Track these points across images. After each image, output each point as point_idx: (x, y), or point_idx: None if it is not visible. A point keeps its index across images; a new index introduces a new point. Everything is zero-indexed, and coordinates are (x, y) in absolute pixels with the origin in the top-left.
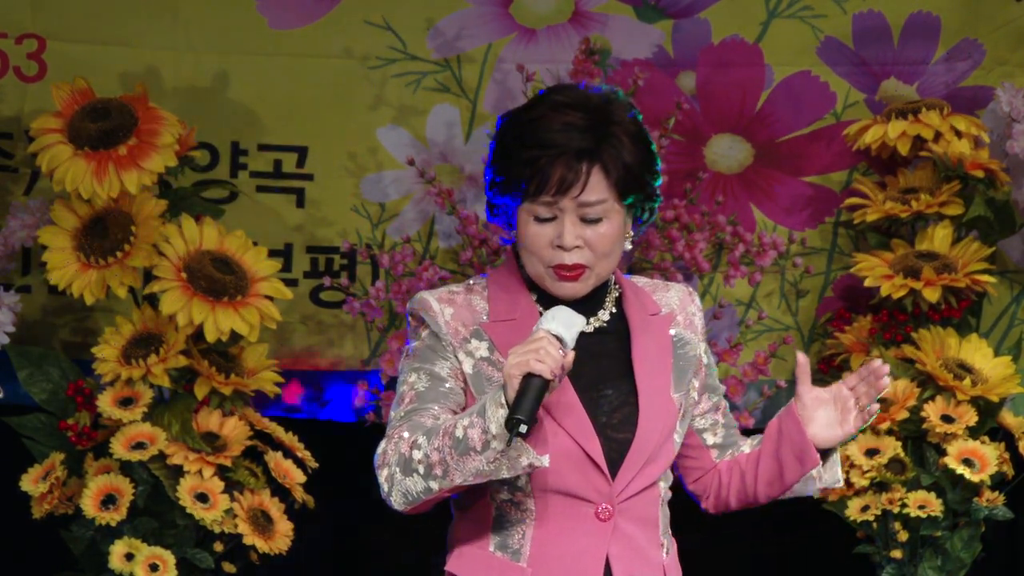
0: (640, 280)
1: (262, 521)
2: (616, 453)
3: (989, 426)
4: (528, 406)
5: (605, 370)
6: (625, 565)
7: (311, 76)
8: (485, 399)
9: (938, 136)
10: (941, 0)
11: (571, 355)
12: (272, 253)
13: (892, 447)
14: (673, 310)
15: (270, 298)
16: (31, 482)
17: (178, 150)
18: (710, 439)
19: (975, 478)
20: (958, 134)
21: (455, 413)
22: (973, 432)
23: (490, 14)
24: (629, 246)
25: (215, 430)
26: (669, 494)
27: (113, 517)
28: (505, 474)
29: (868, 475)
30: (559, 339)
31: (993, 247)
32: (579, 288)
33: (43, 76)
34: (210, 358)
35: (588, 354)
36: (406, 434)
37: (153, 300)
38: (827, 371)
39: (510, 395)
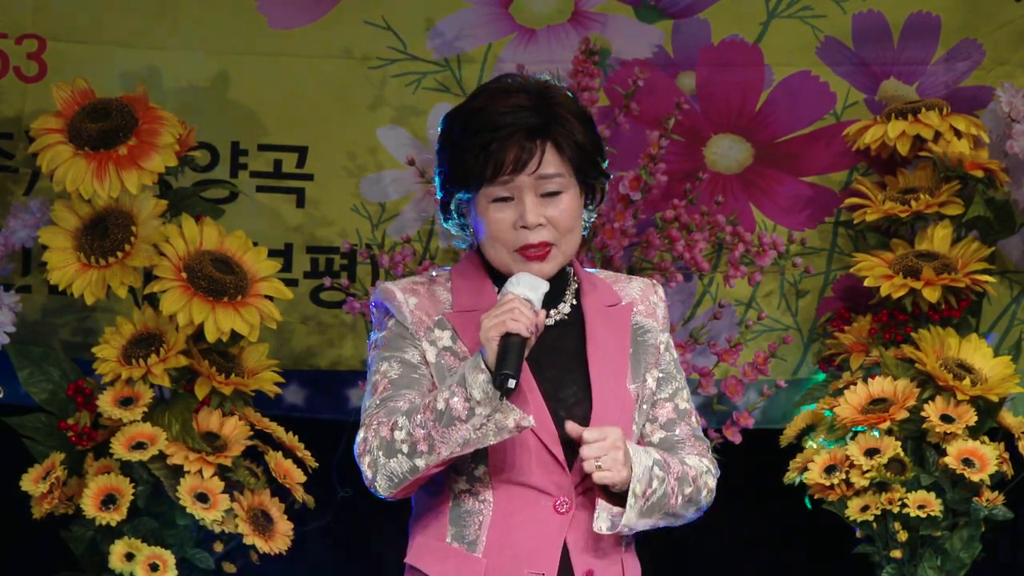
0: (602, 273)
1: (262, 521)
2: (574, 446)
3: (989, 426)
4: (513, 363)
5: (565, 363)
6: (583, 556)
7: (311, 76)
8: (462, 368)
9: (938, 136)
10: (941, 0)
11: (542, 314)
12: (272, 253)
13: (892, 447)
14: (634, 300)
15: (270, 298)
16: (31, 482)
17: (178, 150)
18: (648, 435)
19: (975, 478)
20: (958, 134)
21: None
22: (973, 432)
23: (490, 14)
24: (585, 232)
25: (215, 430)
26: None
27: (113, 517)
28: (492, 439)
29: (868, 475)
30: (527, 301)
31: (993, 247)
32: (546, 269)
33: (43, 76)
34: (210, 358)
35: (549, 347)
36: (384, 419)
37: (153, 300)
38: (827, 371)
39: (489, 359)
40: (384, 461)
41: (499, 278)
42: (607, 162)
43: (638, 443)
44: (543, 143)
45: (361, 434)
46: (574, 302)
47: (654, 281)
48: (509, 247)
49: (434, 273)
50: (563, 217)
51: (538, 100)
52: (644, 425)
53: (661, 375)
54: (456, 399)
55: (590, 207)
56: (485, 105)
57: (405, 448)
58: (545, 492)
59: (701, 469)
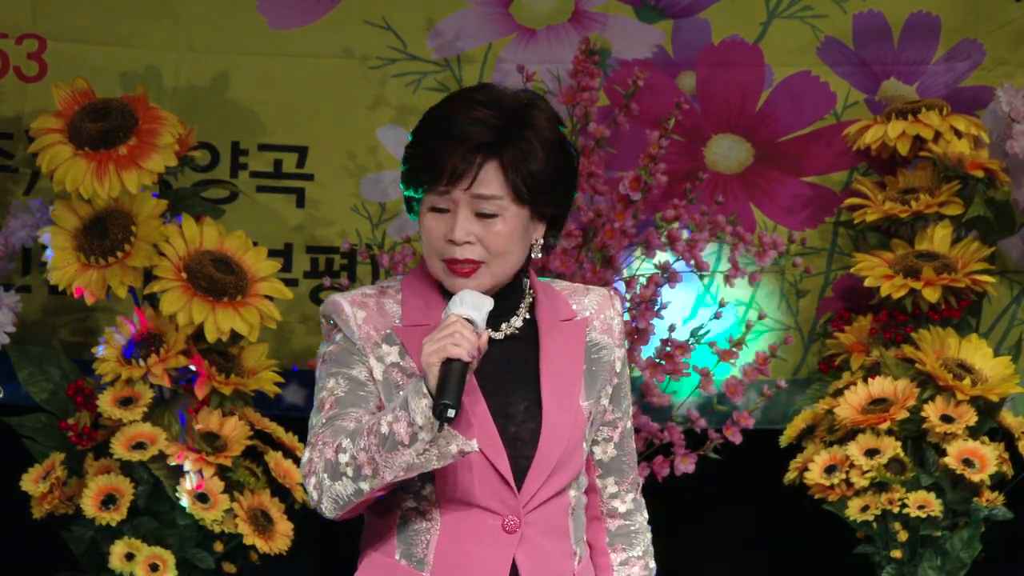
0: (559, 284)
1: (262, 521)
2: (523, 464)
3: (989, 426)
4: (453, 391)
5: (515, 379)
6: (533, 575)
7: (311, 76)
8: (406, 392)
9: (938, 136)
10: (941, 0)
11: (485, 336)
12: (272, 253)
13: (892, 447)
14: (589, 315)
15: (270, 298)
16: (31, 482)
17: (178, 150)
18: (598, 453)
19: (975, 478)
20: (958, 134)
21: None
22: (973, 432)
23: (490, 14)
24: (539, 254)
25: (215, 430)
26: (584, 500)
27: (113, 517)
28: (436, 464)
29: (868, 475)
30: (470, 321)
31: (993, 247)
32: (473, 285)
33: (43, 76)
34: (210, 358)
35: (499, 362)
36: (330, 439)
37: (153, 300)
38: (827, 371)
39: (431, 383)
40: (329, 484)
41: (448, 290)
42: (575, 193)
43: (587, 460)
44: (485, 161)
45: (307, 454)
46: (527, 316)
47: (612, 293)
48: (439, 257)
49: (385, 283)
50: (494, 240)
51: (504, 118)
52: (597, 442)
53: (615, 392)
54: (399, 424)
55: (551, 234)
56: (450, 112)
57: (349, 471)
58: (492, 511)
59: (648, 545)
